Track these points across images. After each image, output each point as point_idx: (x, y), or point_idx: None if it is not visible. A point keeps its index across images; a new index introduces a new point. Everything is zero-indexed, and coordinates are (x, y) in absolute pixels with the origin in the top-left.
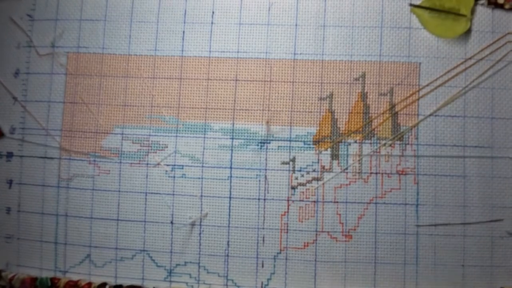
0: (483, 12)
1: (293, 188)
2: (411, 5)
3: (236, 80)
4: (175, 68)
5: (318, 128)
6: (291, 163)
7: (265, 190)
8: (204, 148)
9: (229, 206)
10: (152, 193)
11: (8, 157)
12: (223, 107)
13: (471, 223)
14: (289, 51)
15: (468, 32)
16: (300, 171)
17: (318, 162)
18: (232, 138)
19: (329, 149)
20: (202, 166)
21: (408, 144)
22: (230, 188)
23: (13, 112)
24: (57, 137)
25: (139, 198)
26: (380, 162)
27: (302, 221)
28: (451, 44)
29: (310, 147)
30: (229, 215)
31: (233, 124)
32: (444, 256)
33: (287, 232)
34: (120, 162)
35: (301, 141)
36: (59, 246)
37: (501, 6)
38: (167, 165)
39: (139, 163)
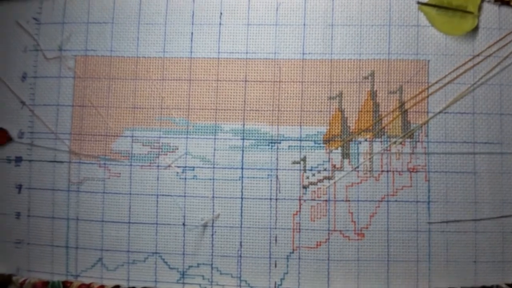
0: (490, 9)
1: (305, 187)
2: (418, 2)
3: (246, 81)
4: (184, 70)
5: (328, 127)
6: (302, 162)
7: (276, 190)
8: (214, 149)
9: (241, 206)
10: (163, 195)
11: (17, 161)
12: (233, 108)
13: (482, 219)
14: (298, 51)
15: (475, 29)
16: (311, 170)
17: (329, 161)
18: (243, 139)
19: (339, 148)
20: (213, 167)
21: (418, 141)
22: (242, 189)
23: (21, 116)
24: (67, 140)
25: (150, 201)
26: (391, 160)
27: (314, 220)
28: (459, 41)
29: (320, 146)
30: (241, 215)
31: (244, 124)
32: (456, 253)
33: (299, 232)
34: (131, 165)
35: (311, 140)
36: (71, 250)
37: (507, 3)
38: (178, 166)
39: (149, 166)
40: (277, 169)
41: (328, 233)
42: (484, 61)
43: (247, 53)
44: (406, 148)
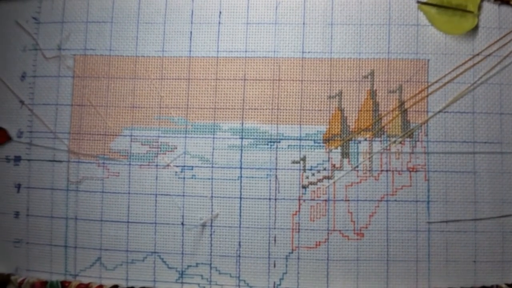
0: (490, 8)
1: (304, 187)
2: (418, 2)
3: (245, 79)
4: (183, 69)
5: (328, 127)
6: (301, 162)
7: (275, 190)
8: (213, 149)
9: (240, 206)
10: (162, 194)
11: (16, 161)
12: (232, 107)
13: (482, 219)
14: (297, 50)
15: (475, 28)
16: (310, 170)
17: (328, 161)
18: (242, 138)
19: (339, 148)
20: (212, 167)
21: (418, 141)
22: (241, 188)
23: (20, 116)
24: (65, 140)
25: (149, 200)
26: (390, 159)
27: (313, 220)
28: (459, 41)
29: (320, 146)
30: (240, 215)
31: (242, 123)
32: (455, 252)
33: (298, 232)
34: (130, 164)
35: (311, 139)
36: (69, 249)
37: (507, 2)
38: (177, 166)
39: (148, 165)
40: (276, 169)
41: (328, 233)
42: (484, 61)
43: (246, 51)
44: (405, 147)
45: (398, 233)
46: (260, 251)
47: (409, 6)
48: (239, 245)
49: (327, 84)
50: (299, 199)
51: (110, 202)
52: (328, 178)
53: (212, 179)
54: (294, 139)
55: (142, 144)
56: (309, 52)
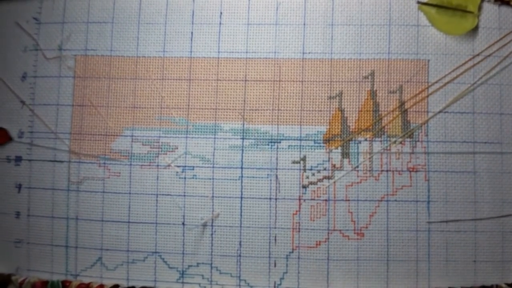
0: (490, 9)
1: (304, 187)
2: (418, 2)
3: (246, 80)
4: (184, 69)
5: (328, 127)
6: (301, 162)
7: (276, 190)
8: (214, 149)
9: (241, 206)
10: (163, 194)
11: (16, 161)
12: (232, 108)
13: (482, 218)
14: (298, 51)
15: (475, 29)
16: (311, 170)
17: (328, 161)
18: (243, 138)
19: (339, 148)
20: (213, 167)
21: (418, 141)
22: (241, 188)
23: (21, 116)
24: (66, 140)
25: (150, 200)
26: (390, 159)
27: (313, 220)
28: (459, 41)
29: (320, 146)
30: (241, 215)
31: (243, 124)
32: (455, 252)
33: (299, 231)
34: (130, 164)
35: (311, 140)
36: (70, 249)
37: (507, 3)
38: (178, 166)
39: (149, 165)
40: (276, 169)
41: (328, 233)
42: (484, 61)
43: (247, 52)
44: (406, 147)
45: (398, 233)
46: (261, 250)
47: (409, 7)
48: (240, 244)
49: (328, 84)
50: (300, 199)
51: (111, 202)
52: (328, 178)
53: (213, 179)
54: (294, 139)
55: (143, 144)
56: (309, 53)
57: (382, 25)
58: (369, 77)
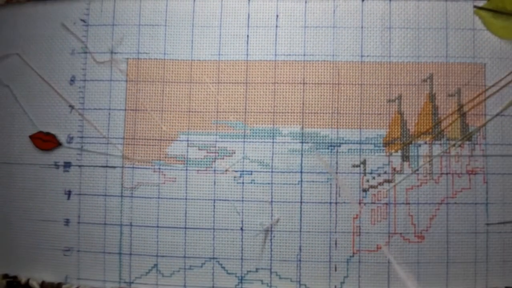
0: None
1: (365, 190)
2: (475, 7)
3: (304, 83)
4: (240, 73)
5: (388, 130)
6: (361, 165)
7: (336, 194)
8: (273, 153)
9: (300, 211)
10: (220, 200)
11: (65, 167)
12: (291, 111)
13: None
14: (356, 53)
15: None
16: (371, 173)
17: (388, 164)
18: (302, 142)
19: (399, 151)
20: (272, 171)
21: (476, 144)
22: (301, 193)
23: (69, 121)
24: (119, 145)
25: (207, 206)
26: (450, 162)
27: (374, 224)
28: None
29: (380, 149)
30: (301, 219)
31: (302, 128)
32: None
33: (359, 235)
34: (186, 170)
35: (371, 143)
36: (124, 256)
37: None
38: (236, 171)
39: (206, 170)
40: (336, 173)
41: (389, 236)
42: None
43: (304, 55)
44: (464, 150)
45: (457, 235)
46: (321, 255)
47: (465, 11)
48: (300, 249)
49: (387, 87)
50: (360, 203)
51: (166, 207)
52: (389, 181)
53: (271, 184)
54: (354, 143)
55: (199, 149)
56: (368, 56)
57: (439, 28)
58: (428, 80)
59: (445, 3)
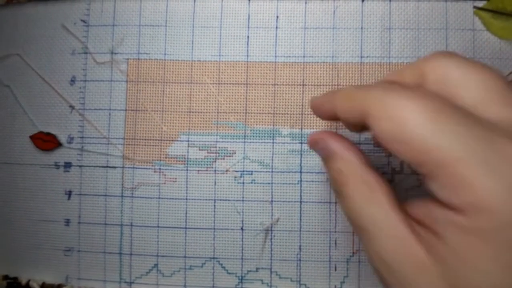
0: None
1: None
2: (475, 7)
3: (303, 84)
4: (241, 73)
5: None
6: None
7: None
8: (273, 153)
9: (300, 210)
10: (221, 199)
11: (66, 167)
12: (291, 112)
13: None
14: (356, 55)
15: None
16: None
17: (388, 164)
18: (301, 143)
19: None
20: (272, 171)
21: None
22: (301, 192)
23: (70, 121)
24: (120, 145)
25: (207, 205)
26: None
27: None
28: None
29: (380, 150)
30: (300, 219)
31: (301, 128)
32: None
33: None
34: (187, 170)
35: (371, 143)
36: (124, 256)
37: None
38: (236, 171)
39: (206, 170)
40: None
41: None
42: None
43: (304, 56)
44: None
45: None
46: (321, 254)
47: (465, 11)
48: (300, 249)
49: None
50: None
51: (167, 208)
52: (389, 181)
53: (272, 183)
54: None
55: (200, 149)
56: (367, 57)
57: (439, 29)
58: None
59: (445, 4)
